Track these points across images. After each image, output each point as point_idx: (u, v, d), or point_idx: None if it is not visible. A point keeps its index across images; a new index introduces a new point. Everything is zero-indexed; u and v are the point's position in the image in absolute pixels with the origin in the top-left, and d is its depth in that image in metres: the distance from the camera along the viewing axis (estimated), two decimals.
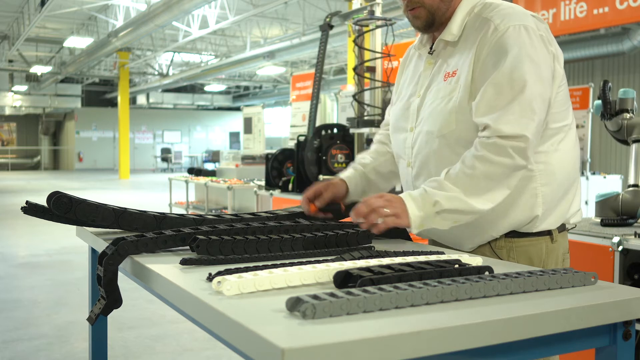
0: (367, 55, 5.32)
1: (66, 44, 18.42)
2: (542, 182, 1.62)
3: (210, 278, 1.20)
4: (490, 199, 1.53)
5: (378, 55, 5.29)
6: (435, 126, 1.66)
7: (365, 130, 5.14)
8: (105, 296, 1.39)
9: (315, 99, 5.77)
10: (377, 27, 5.28)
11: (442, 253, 1.46)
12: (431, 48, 1.76)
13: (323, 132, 5.17)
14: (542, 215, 1.63)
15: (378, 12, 5.28)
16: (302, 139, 5.21)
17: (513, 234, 1.66)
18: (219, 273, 1.21)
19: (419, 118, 1.73)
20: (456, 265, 1.26)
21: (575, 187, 1.72)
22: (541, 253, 1.66)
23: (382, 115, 5.31)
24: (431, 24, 1.70)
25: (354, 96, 5.40)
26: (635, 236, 2.64)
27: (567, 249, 1.74)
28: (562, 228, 1.70)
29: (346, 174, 1.92)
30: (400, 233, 1.85)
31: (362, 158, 1.99)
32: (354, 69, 5.37)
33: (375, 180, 1.95)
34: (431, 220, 1.53)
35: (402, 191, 1.85)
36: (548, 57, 1.59)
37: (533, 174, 1.61)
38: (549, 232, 1.67)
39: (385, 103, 5.40)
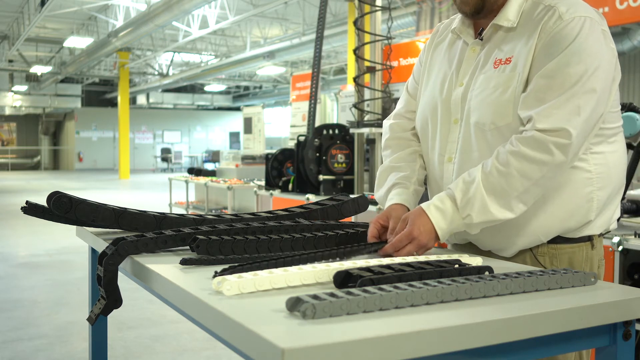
0: (367, 8, 5.36)
1: (66, 44, 18.42)
2: (599, 185, 1.52)
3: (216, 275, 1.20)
4: (524, 201, 1.44)
5: (377, 8, 5.35)
6: (486, 118, 1.53)
7: (365, 131, 5.14)
8: (105, 296, 1.39)
9: (315, 79, 5.78)
10: None
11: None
12: (480, 34, 1.63)
13: (324, 132, 5.17)
14: (593, 221, 1.55)
15: None
16: (302, 139, 5.21)
17: (556, 240, 1.56)
18: (224, 271, 1.20)
19: (465, 110, 1.60)
20: (456, 265, 1.26)
21: (621, 195, 1.62)
22: (582, 260, 1.57)
23: (383, 111, 5.32)
24: (480, 9, 1.58)
25: (355, 79, 5.43)
26: (635, 236, 2.64)
27: (602, 255, 1.63)
28: (600, 234, 1.61)
29: (403, 197, 1.68)
30: None
31: (399, 168, 1.76)
32: (354, 23, 5.41)
33: (421, 190, 1.78)
34: (459, 229, 1.48)
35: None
36: (609, 55, 1.48)
37: (591, 175, 1.52)
38: (589, 238, 1.57)
39: (385, 101, 5.40)
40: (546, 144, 1.40)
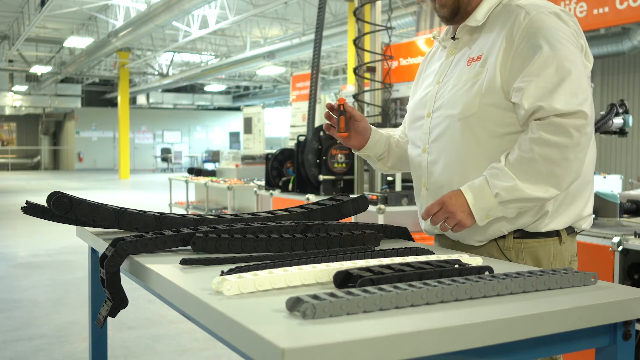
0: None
1: (66, 44, 18.41)
2: None
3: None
4: (552, 184, 1.51)
5: None
6: (456, 109, 1.65)
7: None
8: (111, 297, 1.40)
9: (315, 75, 5.77)
10: None
11: (432, 253, 1.46)
12: (454, 36, 1.77)
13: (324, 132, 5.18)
14: (551, 214, 1.62)
15: None
16: (302, 139, 5.21)
17: (521, 235, 1.65)
18: (231, 271, 1.20)
19: (436, 104, 1.73)
20: (456, 265, 1.26)
21: (589, 192, 1.70)
22: (549, 255, 1.65)
23: (383, 110, 5.33)
24: (456, 12, 1.72)
25: (355, 69, 5.43)
26: (635, 236, 2.64)
27: (574, 252, 1.73)
28: (571, 231, 1.69)
29: (378, 129, 1.93)
30: (402, 233, 1.85)
31: (392, 131, 2.02)
32: (354, 12, 5.43)
33: (395, 152, 1.97)
34: (495, 211, 1.55)
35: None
36: (579, 46, 1.60)
37: None
38: (557, 234, 1.66)
39: (387, 102, 5.42)
40: (566, 127, 1.48)
